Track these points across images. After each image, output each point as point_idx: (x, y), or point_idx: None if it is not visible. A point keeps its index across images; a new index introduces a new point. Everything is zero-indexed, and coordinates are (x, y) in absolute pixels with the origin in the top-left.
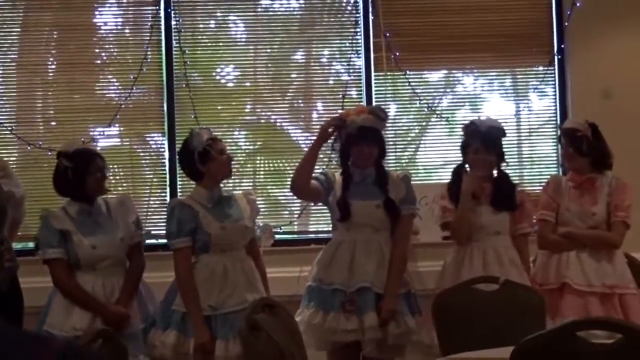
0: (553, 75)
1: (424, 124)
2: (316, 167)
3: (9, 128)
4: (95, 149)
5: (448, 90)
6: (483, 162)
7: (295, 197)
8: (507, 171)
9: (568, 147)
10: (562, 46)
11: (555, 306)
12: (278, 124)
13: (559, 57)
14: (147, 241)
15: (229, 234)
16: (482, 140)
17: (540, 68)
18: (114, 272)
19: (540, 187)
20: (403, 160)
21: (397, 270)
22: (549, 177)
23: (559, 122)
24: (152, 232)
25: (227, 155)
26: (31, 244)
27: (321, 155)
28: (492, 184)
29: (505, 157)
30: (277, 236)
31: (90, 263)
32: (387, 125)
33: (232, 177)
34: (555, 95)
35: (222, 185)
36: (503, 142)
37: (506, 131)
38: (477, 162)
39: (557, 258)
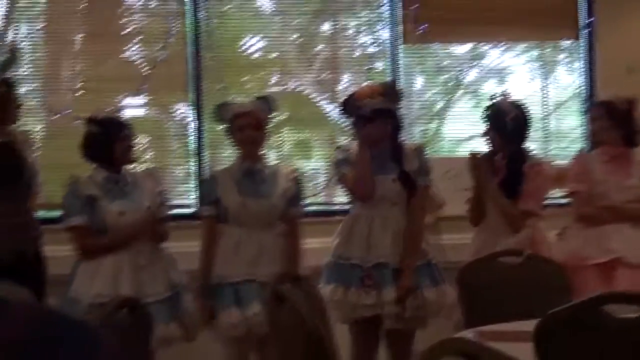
0: (580, 49)
1: (450, 97)
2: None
3: (37, 97)
4: (123, 118)
5: (474, 63)
6: (487, 140)
7: (321, 168)
8: (533, 146)
9: (604, 119)
10: (590, 20)
11: (607, 281)
12: (304, 96)
13: (587, 31)
14: (174, 211)
15: (249, 209)
16: (483, 117)
17: (568, 42)
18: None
19: (566, 162)
20: (429, 134)
21: (413, 243)
22: (575, 152)
23: (586, 96)
24: (178, 202)
25: (247, 135)
26: (56, 213)
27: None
28: (504, 166)
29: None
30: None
31: (117, 230)
32: (413, 98)
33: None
34: (582, 69)
35: (263, 156)
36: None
37: (530, 106)
38: (487, 141)
39: (598, 232)
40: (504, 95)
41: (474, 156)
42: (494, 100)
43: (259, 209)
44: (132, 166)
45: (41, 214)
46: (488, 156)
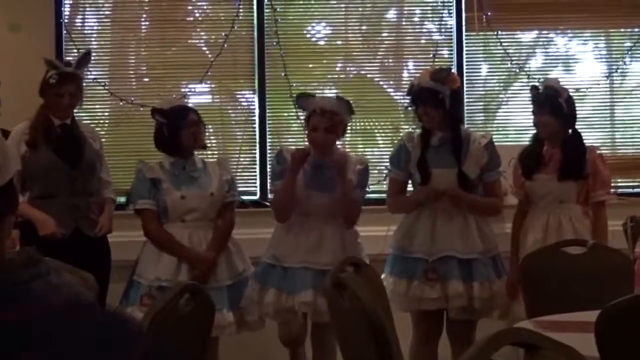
0: None
1: (515, 84)
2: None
3: (103, 84)
4: (189, 104)
5: (540, 50)
6: (539, 126)
7: (385, 155)
8: (598, 135)
9: None
10: None
11: None
12: (369, 83)
13: None
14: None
15: (314, 203)
16: (535, 102)
17: (635, 29)
18: (201, 225)
19: (634, 151)
20: (494, 121)
21: (484, 200)
22: None
23: None
24: (242, 189)
25: (318, 137)
26: (122, 198)
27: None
28: (559, 150)
29: (576, 119)
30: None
31: (178, 214)
32: (478, 85)
33: None
34: None
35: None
36: (594, 105)
37: (596, 94)
38: (538, 128)
39: None
40: (550, 78)
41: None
42: (543, 83)
43: (323, 202)
44: (202, 153)
45: None
46: (535, 150)
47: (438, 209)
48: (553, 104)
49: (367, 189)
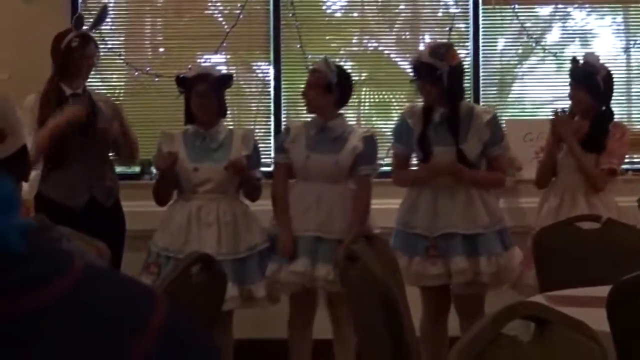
0: None
1: (531, 59)
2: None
3: (118, 54)
4: (199, 74)
5: (557, 25)
6: (573, 100)
7: None
8: (615, 110)
9: None
10: None
11: None
12: (384, 56)
13: None
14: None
15: (313, 164)
16: (572, 76)
17: None
18: (213, 198)
19: None
20: (509, 96)
21: (487, 174)
22: None
23: None
24: None
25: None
26: (137, 168)
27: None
28: (588, 125)
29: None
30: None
31: (191, 186)
32: (494, 59)
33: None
34: None
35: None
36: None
37: (613, 69)
38: (572, 101)
39: None
40: (591, 54)
41: (557, 114)
42: (583, 59)
43: (322, 164)
44: (225, 125)
45: (120, 169)
46: (568, 115)
47: (440, 186)
48: (589, 81)
49: (377, 159)
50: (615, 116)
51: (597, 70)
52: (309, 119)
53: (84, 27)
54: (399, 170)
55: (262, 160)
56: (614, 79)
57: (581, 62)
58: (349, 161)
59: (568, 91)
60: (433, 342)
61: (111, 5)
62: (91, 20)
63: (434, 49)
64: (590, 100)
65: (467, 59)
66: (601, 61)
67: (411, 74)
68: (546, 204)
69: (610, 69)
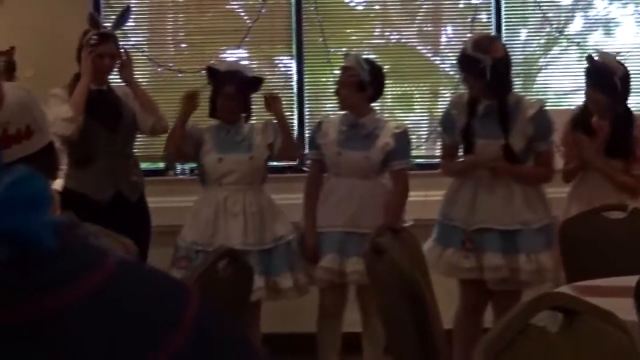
0: None
1: (554, 49)
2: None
3: (141, 50)
4: (229, 70)
5: (579, 14)
6: (589, 100)
7: (423, 121)
8: (638, 100)
9: None
10: None
11: None
12: (407, 48)
13: None
14: (274, 163)
15: (345, 159)
16: (588, 76)
17: None
18: (239, 189)
19: None
20: (533, 86)
21: (529, 170)
22: None
23: None
24: None
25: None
26: (161, 164)
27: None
28: (608, 123)
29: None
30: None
31: (216, 177)
32: (517, 50)
33: None
34: None
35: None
36: (634, 69)
37: (635, 58)
38: (588, 101)
39: None
40: (607, 53)
41: (579, 140)
42: (598, 58)
43: (353, 160)
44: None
45: (145, 166)
46: (584, 117)
47: (481, 180)
48: (606, 82)
49: (411, 153)
50: (636, 105)
51: (613, 72)
52: (331, 115)
53: (108, 26)
54: (446, 161)
55: None
56: (638, 68)
57: (597, 58)
58: (379, 157)
59: (584, 89)
60: (466, 334)
61: (134, 2)
62: (114, 17)
63: (477, 41)
64: (607, 101)
65: None
66: (618, 58)
67: (444, 65)
68: (575, 204)
69: (633, 58)
